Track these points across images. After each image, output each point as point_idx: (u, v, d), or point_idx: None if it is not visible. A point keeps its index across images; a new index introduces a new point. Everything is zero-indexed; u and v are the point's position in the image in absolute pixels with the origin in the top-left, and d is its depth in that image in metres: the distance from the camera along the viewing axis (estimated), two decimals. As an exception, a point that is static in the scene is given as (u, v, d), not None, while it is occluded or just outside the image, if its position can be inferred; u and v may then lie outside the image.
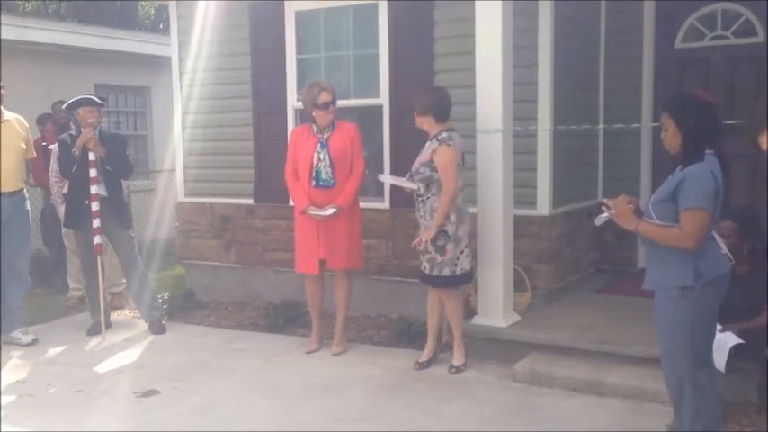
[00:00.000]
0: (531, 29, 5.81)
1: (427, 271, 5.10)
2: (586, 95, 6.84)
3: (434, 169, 4.97)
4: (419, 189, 5.05)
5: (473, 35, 5.35)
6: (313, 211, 5.41)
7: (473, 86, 5.39)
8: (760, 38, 6.55)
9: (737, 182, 5.96)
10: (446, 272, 5.04)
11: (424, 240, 5.01)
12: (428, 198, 5.04)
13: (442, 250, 5.01)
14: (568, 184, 6.34)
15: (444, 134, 5.01)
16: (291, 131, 6.03)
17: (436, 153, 4.96)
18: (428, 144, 5.06)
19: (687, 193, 3.32)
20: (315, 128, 5.50)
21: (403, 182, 5.19)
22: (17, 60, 9.69)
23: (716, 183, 3.33)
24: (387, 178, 5.61)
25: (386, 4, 6.29)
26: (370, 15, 6.41)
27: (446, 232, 5.00)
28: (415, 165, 5.07)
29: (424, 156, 5.03)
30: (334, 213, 5.39)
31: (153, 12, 19.62)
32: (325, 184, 5.44)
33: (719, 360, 3.82)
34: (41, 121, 8.15)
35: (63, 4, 19.11)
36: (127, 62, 11.48)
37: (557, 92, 5.94)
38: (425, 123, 5.09)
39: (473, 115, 5.40)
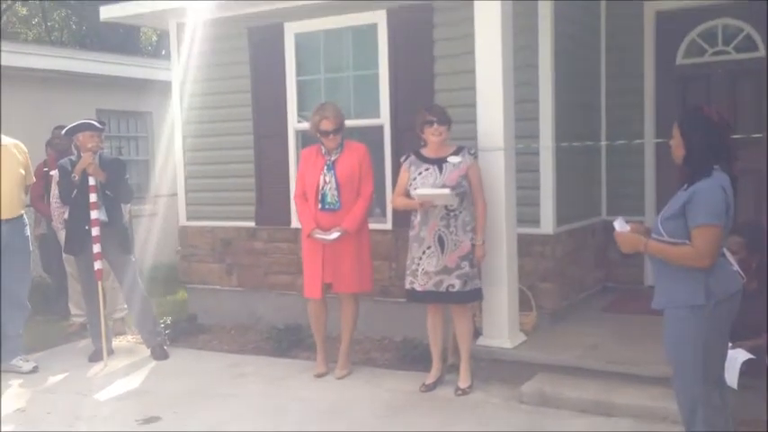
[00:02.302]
0: (532, 46, 5.80)
1: (458, 288, 5.03)
2: (588, 113, 6.82)
3: (469, 184, 5.04)
4: (453, 204, 5.01)
5: (473, 53, 5.33)
6: (318, 235, 5.36)
7: (474, 105, 5.36)
8: (761, 52, 6.53)
9: (742, 196, 5.89)
10: (477, 283, 5.12)
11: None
12: (460, 212, 5.03)
13: (473, 263, 5.06)
14: (572, 202, 6.29)
15: (472, 149, 5.14)
16: (301, 153, 5.98)
17: (472, 168, 5.07)
18: (457, 159, 5.05)
19: (698, 209, 3.27)
20: (323, 149, 5.47)
21: (443, 192, 4.98)
22: (18, 86, 9.71)
23: (726, 198, 3.29)
24: (427, 191, 5.07)
25: (385, 24, 6.30)
26: (370, 36, 6.41)
27: (473, 244, 5.06)
28: (454, 178, 5.01)
29: (460, 169, 5.03)
30: (339, 237, 5.34)
31: (155, 38, 19.77)
32: (331, 206, 5.40)
33: (731, 377, 3.76)
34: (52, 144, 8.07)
35: (65, 31, 19.26)
36: (128, 87, 11.49)
37: (558, 109, 5.91)
38: (446, 134, 5.11)
39: (474, 134, 5.36)
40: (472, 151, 5.13)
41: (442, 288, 5.05)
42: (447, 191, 4.94)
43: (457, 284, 5.02)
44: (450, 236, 5.02)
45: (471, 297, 5.14)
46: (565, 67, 6.05)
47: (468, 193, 5.05)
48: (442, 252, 5.03)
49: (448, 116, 5.12)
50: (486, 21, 5.23)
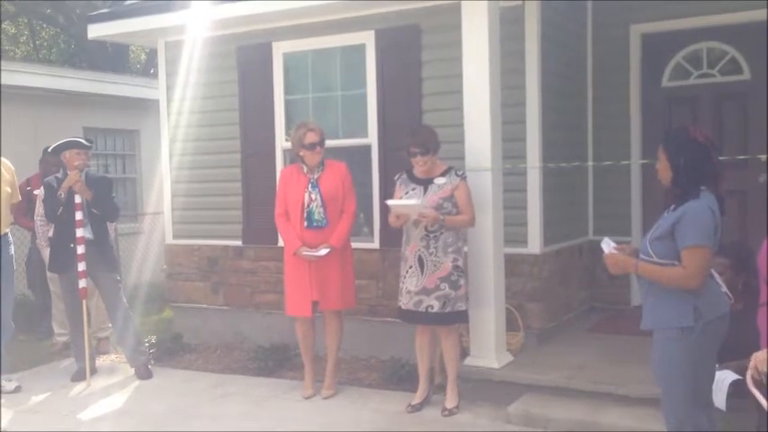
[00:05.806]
0: (519, 69, 5.84)
1: (436, 309, 4.99)
2: (575, 134, 6.86)
3: (455, 204, 4.99)
4: (433, 225, 4.98)
5: (460, 74, 5.36)
6: (306, 252, 5.34)
7: (461, 125, 5.38)
8: (746, 75, 6.60)
9: (726, 217, 5.94)
10: (461, 306, 5.04)
11: (431, 217, 4.84)
12: (441, 234, 4.99)
13: (456, 285, 4.98)
14: (559, 222, 6.31)
15: (460, 170, 5.10)
16: (281, 172, 5.98)
17: (458, 188, 5.02)
18: (442, 180, 5.05)
19: (686, 230, 3.27)
20: (305, 168, 5.47)
21: (409, 203, 5.00)
22: (5, 104, 9.66)
23: (714, 219, 3.30)
24: (396, 201, 5.13)
25: (373, 44, 6.33)
26: (358, 56, 6.44)
27: (459, 267, 5.01)
28: (434, 199, 4.99)
29: (443, 191, 5.01)
30: (328, 254, 5.33)
31: (144, 57, 19.76)
32: (318, 224, 5.39)
33: (719, 399, 3.74)
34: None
35: (53, 49, 19.23)
36: (116, 105, 11.48)
37: (545, 130, 5.95)
38: (431, 162, 5.07)
39: (462, 154, 5.38)
40: (459, 172, 5.10)
41: (422, 308, 5.03)
42: (415, 201, 4.96)
43: (436, 306, 5.00)
44: (430, 257, 5.00)
45: (451, 319, 5.06)
46: (552, 89, 6.09)
47: (451, 214, 5.00)
48: (422, 273, 5.03)
49: (432, 144, 5.05)
50: (474, 42, 5.26)
